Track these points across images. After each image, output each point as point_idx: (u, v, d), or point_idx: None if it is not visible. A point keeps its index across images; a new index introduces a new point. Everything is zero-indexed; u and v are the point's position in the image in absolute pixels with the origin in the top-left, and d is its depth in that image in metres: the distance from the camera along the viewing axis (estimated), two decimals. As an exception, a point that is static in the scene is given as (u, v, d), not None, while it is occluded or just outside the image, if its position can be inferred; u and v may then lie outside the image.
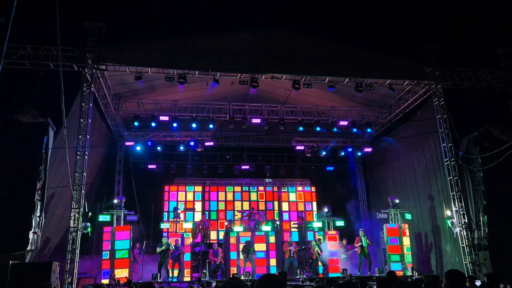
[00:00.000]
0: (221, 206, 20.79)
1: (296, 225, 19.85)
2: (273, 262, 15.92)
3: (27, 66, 12.96)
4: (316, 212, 20.84)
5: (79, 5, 16.86)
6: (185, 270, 15.10)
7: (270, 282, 2.77)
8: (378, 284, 6.28)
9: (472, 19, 18.54)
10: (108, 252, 14.02)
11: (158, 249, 14.32)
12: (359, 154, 21.04)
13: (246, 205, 20.61)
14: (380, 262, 16.49)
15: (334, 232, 16.20)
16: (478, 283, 9.63)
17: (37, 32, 13.18)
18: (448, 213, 14.63)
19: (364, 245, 15.18)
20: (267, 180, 21.61)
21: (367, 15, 20.89)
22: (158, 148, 19.37)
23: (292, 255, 15.27)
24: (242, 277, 13.54)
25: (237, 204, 20.78)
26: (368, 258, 15.28)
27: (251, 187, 21.32)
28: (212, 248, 15.37)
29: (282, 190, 21.57)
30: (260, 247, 15.92)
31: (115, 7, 17.79)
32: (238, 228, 16.61)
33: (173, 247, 14.40)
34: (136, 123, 16.76)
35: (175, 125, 17.11)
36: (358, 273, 14.85)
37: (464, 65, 15.46)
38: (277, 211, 21.12)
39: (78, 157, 12.87)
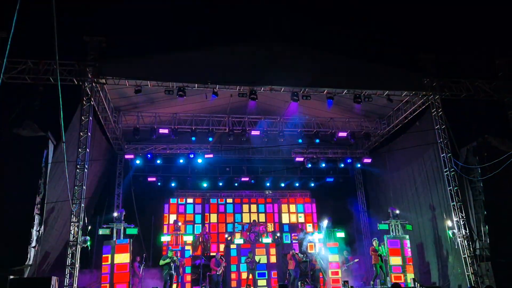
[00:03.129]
0: (221, 218, 20.72)
1: (296, 237, 19.75)
2: (274, 274, 15.83)
3: (28, 81, 13.02)
4: (316, 223, 20.76)
5: (79, 19, 16.98)
6: (185, 284, 15.01)
7: None
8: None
9: (470, 29, 18.69)
10: (107, 265, 13.91)
11: (162, 262, 14.14)
12: (359, 165, 21.01)
13: (246, 217, 20.55)
14: (381, 274, 16.34)
15: (334, 243, 16.12)
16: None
17: (38, 46, 13.25)
18: (449, 223, 14.57)
19: (383, 254, 14.79)
20: (267, 192, 21.58)
21: (365, 27, 21.07)
22: (158, 161, 19.31)
23: (295, 266, 15.17)
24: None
25: (237, 217, 20.72)
26: (383, 268, 14.71)
27: (251, 199, 21.28)
28: (215, 257, 15.27)
29: (282, 202, 21.53)
30: (261, 259, 15.83)
31: (115, 21, 17.91)
32: (238, 240, 16.54)
33: (178, 261, 14.29)
34: (135, 136, 16.80)
35: (174, 138, 17.17)
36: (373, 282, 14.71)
37: (461, 75, 15.55)
38: (278, 223, 21.06)
39: (77, 170, 12.84)
